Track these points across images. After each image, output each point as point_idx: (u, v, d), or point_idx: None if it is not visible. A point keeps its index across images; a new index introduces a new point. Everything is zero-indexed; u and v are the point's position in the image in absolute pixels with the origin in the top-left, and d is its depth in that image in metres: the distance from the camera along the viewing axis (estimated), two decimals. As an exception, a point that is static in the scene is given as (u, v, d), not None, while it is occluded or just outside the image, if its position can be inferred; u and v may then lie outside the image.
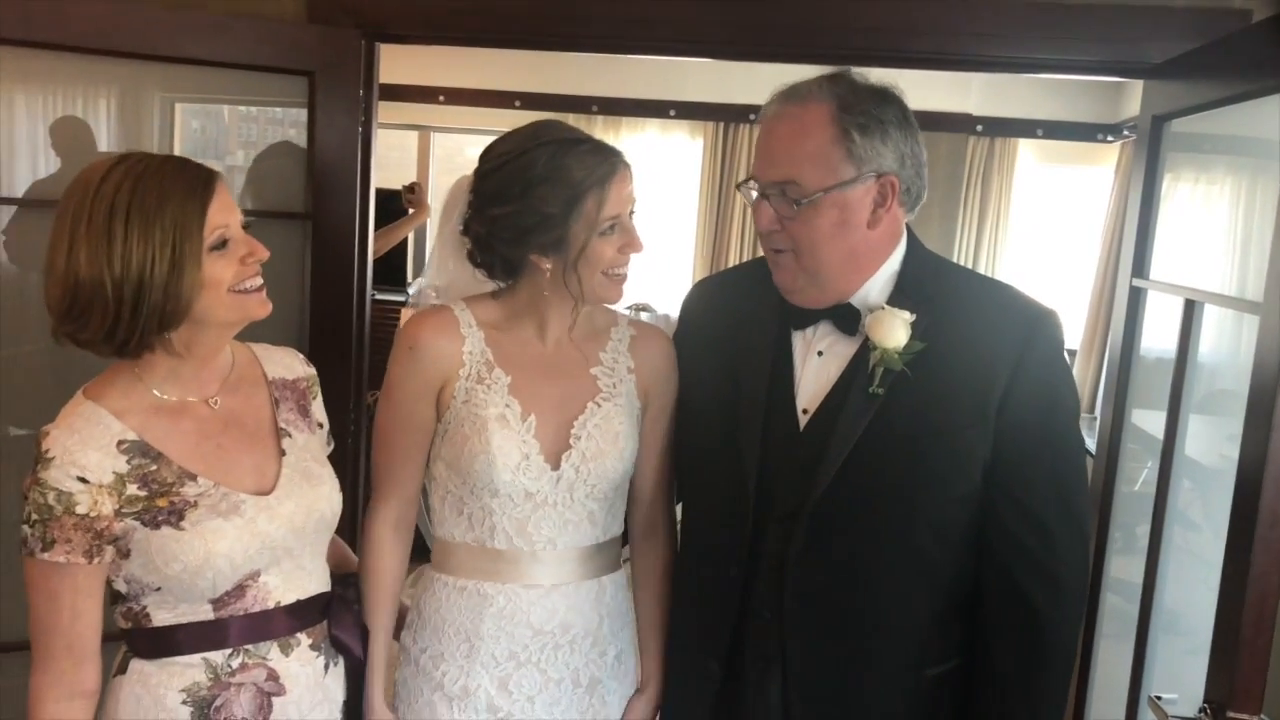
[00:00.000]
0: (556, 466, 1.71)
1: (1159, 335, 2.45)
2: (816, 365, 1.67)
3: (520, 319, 1.76)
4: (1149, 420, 2.48)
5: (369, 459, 1.88)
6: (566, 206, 1.63)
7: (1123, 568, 2.54)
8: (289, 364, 1.71)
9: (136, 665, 1.55)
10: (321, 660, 1.64)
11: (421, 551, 1.84)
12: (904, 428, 1.59)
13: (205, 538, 1.47)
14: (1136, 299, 2.46)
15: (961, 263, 5.73)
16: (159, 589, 1.50)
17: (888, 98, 1.62)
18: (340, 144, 2.49)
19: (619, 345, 1.81)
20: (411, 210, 5.02)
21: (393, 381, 1.74)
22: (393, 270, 5.63)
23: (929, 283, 1.66)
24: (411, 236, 5.81)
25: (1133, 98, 4.65)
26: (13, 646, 2.17)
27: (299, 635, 1.60)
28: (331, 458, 1.74)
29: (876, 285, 1.66)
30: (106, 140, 2.49)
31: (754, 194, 1.66)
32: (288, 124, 2.63)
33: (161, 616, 1.52)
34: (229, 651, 1.54)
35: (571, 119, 6.03)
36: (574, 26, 2.50)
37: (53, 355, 1.53)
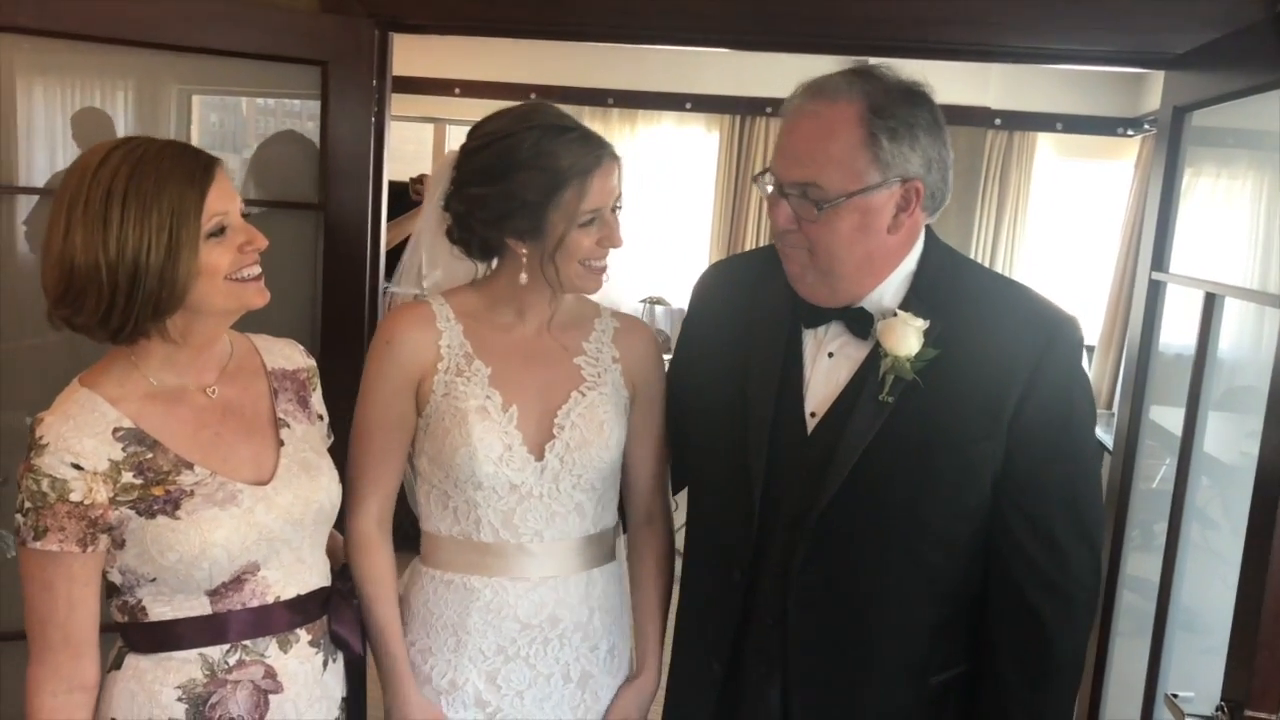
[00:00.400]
0: (540, 457, 1.69)
1: (1179, 331, 2.42)
2: (826, 367, 1.63)
3: (500, 307, 1.74)
4: (1168, 417, 2.45)
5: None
6: (546, 195, 1.61)
7: (1140, 565, 2.51)
8: (289, 354, 1.69)
9: (131, 661, 1.52)
10: (320, 657, 1.62)
11: (407, 543, 1.81)
12: (914, 437, 1.55)
13: (201, 527, 1.45)
14: (1155, 293, 2.43)
15: (978, 258, 5.71)
16: (154, 580, 1.48)
17: (919, 99, 1.55)
18: (353, 134, 2.48)
19: (603, 335, 1.79)
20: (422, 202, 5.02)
21: (370, 378, 1.72)
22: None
23: (945, 285, 1.61)
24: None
25: (1154, 91, 4.61)
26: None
27: (298, 631, 1.58)
28: (337, 451, 1.72)
29: (890, 288, 1.61)
30: (125, 133, 2.48)
31: (769, 188, 1.60)
32: (305, 117, 2.63)
33: (158, 610, 1.50)
34: (226, 648, 1.52)
35: (587, 111, 6.04)
36: (586, 15, 2.48)
37: (79, 344, 1.51)
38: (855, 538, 1.58)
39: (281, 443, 1.59)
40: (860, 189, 1.52)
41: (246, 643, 1.53)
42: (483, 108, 1.80)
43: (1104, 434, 4.53)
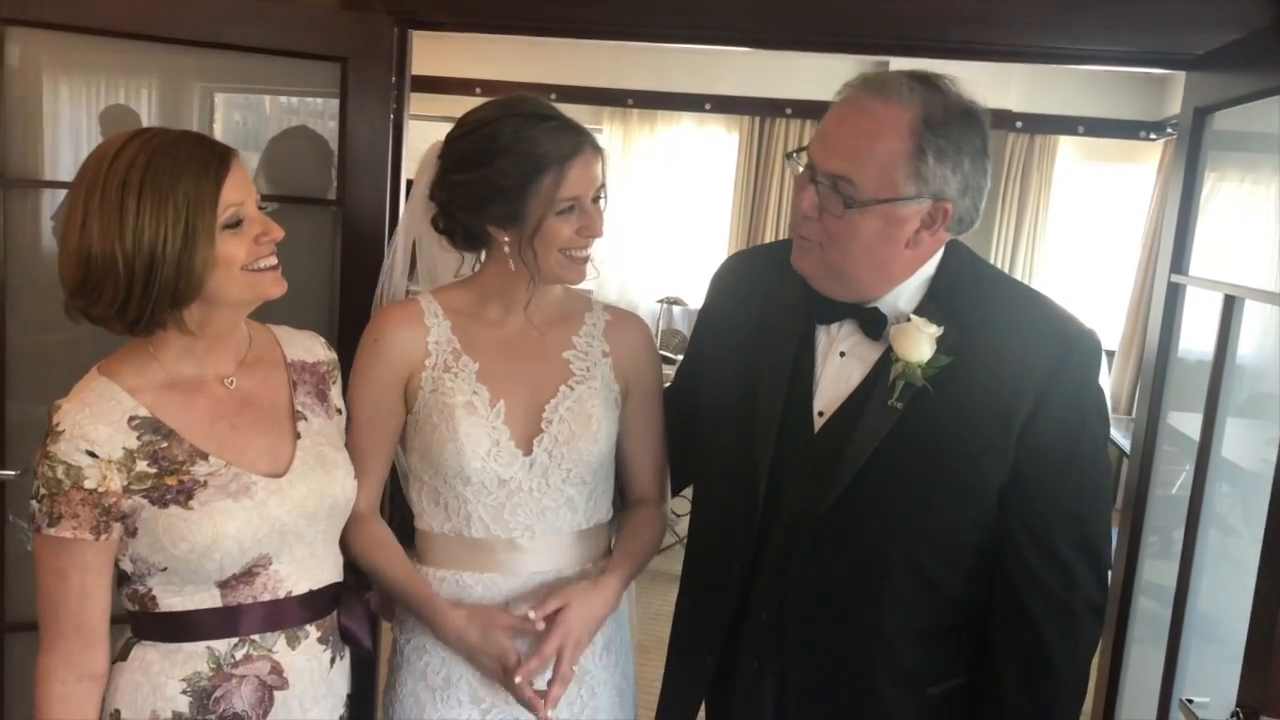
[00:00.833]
0: (529, 451, 1.69)
1: (1198, 337, 2.40)
2: (837, 366, 1.62)
3: (488, 302, 1.75)
4: (1187, 423, 2.43)
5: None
6: (524, 180, 1.62)
7: (1156, 571, 2.49)
8: (309, 347, 1.70)
9: (139, 651, 1.53)
10: (328, 654, 1.62)
11: (404, 542, 1.80)
12: (922, 444, 1.53)
13: (213, 518, 1.46)
14: (1174, 296, 2.41)
15: (998, 262, 5.68)
16: (165, 569, 1.48)
17: (974, 124, 1.50)
18: (371, 131, 2.48)
19: (593, 330, 1.79)
20: None
21: (359, 375, 1.73)
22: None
23: (962, 292, 1.58)
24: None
25: (1176, 94, 4.57)
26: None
27: (308, 628, 1.58)
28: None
29: (906, 292, 1.58)
30: (149, 130, 2.52)
31: (801, 169, 1.56)
32: (328, 116, 2.63)
33: (168, 600, 1.50)
34: (234, 642, 1.52)
35: (607, 112, 6.06)
36: (606, 14, 2.48)
37: (107, 338, 1.52)
38: (856, 540, 1.57)
39: (298, 435, 1.59)
40: (892, 198, 1.48)
41: (255, 637, 1.53)
42: (503, 108, 1.80)
43: (1123, 439, 4.50)
